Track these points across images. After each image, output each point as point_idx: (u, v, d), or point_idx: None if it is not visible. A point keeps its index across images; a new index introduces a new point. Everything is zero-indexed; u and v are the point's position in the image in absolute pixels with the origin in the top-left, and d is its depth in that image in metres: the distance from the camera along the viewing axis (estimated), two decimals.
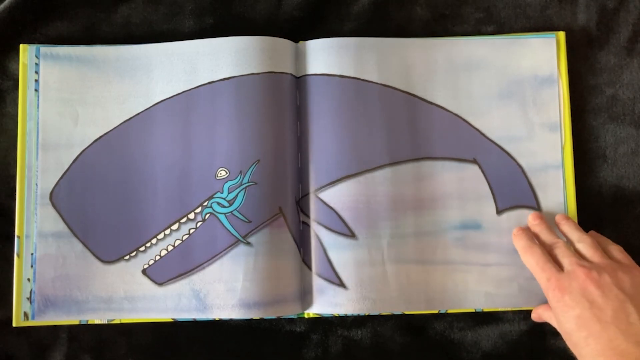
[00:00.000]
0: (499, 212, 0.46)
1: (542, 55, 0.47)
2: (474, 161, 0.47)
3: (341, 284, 0.44)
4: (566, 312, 0.38)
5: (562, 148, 0.47)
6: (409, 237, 0.45)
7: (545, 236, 0.44)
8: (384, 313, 0.45)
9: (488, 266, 0.46)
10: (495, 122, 0.47)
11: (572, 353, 0.39)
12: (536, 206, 0.46)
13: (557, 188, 0.46)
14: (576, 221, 0.46)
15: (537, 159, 0.46)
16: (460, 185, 0.46)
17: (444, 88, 0.47)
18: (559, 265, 0.41)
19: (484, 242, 0.46)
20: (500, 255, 0.46)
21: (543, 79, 0.47)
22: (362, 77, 0.46)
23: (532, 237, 0.44)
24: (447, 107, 0.47)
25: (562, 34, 0.48)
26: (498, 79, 0.47)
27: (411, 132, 0.46)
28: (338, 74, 0.45)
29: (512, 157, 0.47)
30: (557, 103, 0.47)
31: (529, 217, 0.46)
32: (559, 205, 0.46)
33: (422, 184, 0.46)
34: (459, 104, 0.47)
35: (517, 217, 0.46)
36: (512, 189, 0.46)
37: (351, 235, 0.45)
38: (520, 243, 0.44)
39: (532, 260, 0.42)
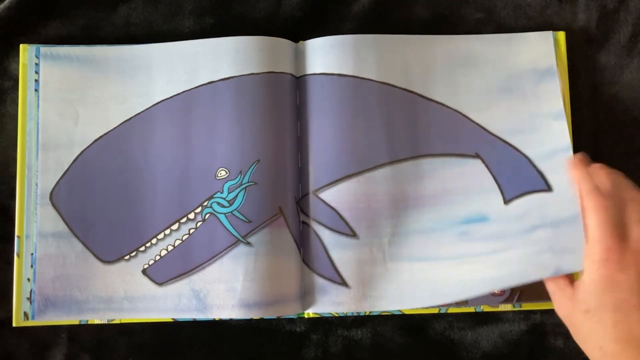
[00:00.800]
0: (507, 202, 0.45)
1: (539, 50, 0.47)
2: (477, 155, 0.46)
3: (343, 283, 0.44)
4: (609, 293, 0.34)
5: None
6: (411, 235, 0.45)
7: (612, 186, 0.37)
8: (386, 312, 0.45)
9: (493, 254, 0.44)
10: (496, 116, 0.46)
11: (573, 353, 0.39)
12: (547, 188, 0.44)
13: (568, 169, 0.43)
14: None
15: (544, 147, 0.45)
16: (463, 181, 0.46)
17: (443, 84, 0.47)
18: (625, 230, 0.35)
19: (490, 232, 0.45)
20: (506, 240, 0.44)
21: (542, 72, 0.46)
22: (360, 75, 0.46)
23: (593, 182, 0.38)
24: (446, 103, 0.47)
25: (562, 34, 0.48)
26: (497, 75, 0.47)
27: (411, 129, 0.46)
28: (337, 72, 0.45)
29: (516, 149, 0.46)
30: (559, 94, 0.46)
31: (575, 159, 0.41)
32: (571, 182, 0.42)
33: (423, 181, 0.46)
34: (459, 100, 0.47)
35: (527, 203, 0.45)
36: (519, 178, 0.45)
37: (352, 234, 0.45)
38: (584, 185, 0.38)
39: (596, 219, 0.36)
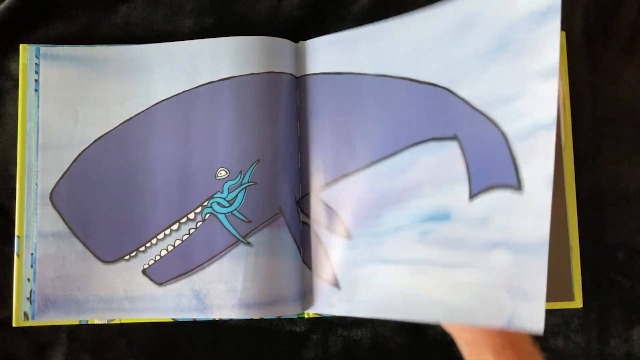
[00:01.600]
0: (472, 196, 0.37)
1: None
2: (455, 137, 0.40)
3: (336, 285, 0.44)
4: None
5: (562, 150, 0.46)
6: (387, 235, 0.42)
7: None
8: (368, 317, 0.43)
9: (448, 268, 0.37)
10: (485, 84, 0.38)
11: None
12: (515, 183, 0.34)
13: (546, 157, 0.32)
14: (576, 219, 0.46)
15: (525, 121, 0.34)
16: (436, 169, 0.40)
17: (436, 62, 0.42)
18: None
19: (449, 235, 0.37)
20: (464, 252, 0.36)
21: (542, 13, 0.36)
22: (356, 71, 0.45)
23: None
24: (438, 81, 0.42)
25: (562, 34, 0.48)
26: (492, 32, 0.39)
27: (401, 121, 0.44)
28: (335, 71, 0.45)
29: (496, 125, 0.36)
30: (556, 41, 0.35)
31: None
32: (546, 181, 0.31)
33: (406, 174, 0.43)
34: (451, 75, 0.41)
35: (492, 201, 0.35)
36: (491, 164, 0.36)
37: (347, 235, 0.44)
38: None
39: None
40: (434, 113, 0.41)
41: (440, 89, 0.41)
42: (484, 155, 0.37)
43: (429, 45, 0.43)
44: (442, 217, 0.39)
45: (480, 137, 0.38)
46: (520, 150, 0.34)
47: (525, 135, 0.34)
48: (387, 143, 0.44)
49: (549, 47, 0.35)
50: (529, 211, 0.32)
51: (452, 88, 0.40)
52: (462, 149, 0.39)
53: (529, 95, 0.35)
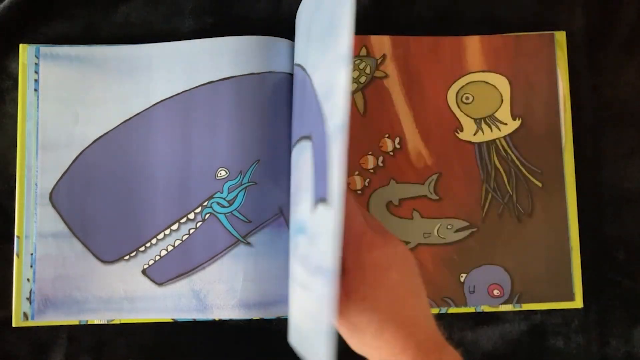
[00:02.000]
0: (313, 206, 0.31)
1: None
2: (309, 137, 0.34)
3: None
4: None
5: (562, 150, 0.47)
6: (292, 240, 0.39)
7: None
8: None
9: (306, 291, 0.31)
10: (321, 72, 0.32)
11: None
12: (325, 196, 0.29)
13: (337, 167, 0.27)
14: (576, 219, 0.46)
15: (335, 119, 0.28)
16: (302, 174, 0.35)
17: (314, 51, 0.36)
18: None
19: (304, 253, 0.32)
20: (307, 274, 0.30)
21: None
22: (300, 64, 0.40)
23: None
24: (305, 66, 0.37)
25: (562, 34, 0.48)
26: (329, 7, 0.32)
27: (292, 115, 0.41)
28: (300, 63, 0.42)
29: (324, 122, 0.30)
30: (347, 21, 0.27)
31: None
32: (336, 196, 0.26)
33: (293, 178, 0.39)
34: (307, 61, 0.36)
35: (317, 217, 0.30)
36: (324, 170, 0.30)
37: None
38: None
39: None
40: (302, 106, 0.36)
41: (304, 73, 0.37)
42: (321, 160, 0.30)
43: (304, 28, 0.39)
44: (301, 229, 0.33)
45: (318, 137, 0.31)
46: (330, 156, 0.28)
47: (331, 137, 0.28)
48: (292, 140, 0.41)
49: (343, 27, 0.28)
50: (326, 234, 0.26)
51: (309, 77, 0.35)
52: (313, 150, 0.33)
53: (335, 86, 0.29)
